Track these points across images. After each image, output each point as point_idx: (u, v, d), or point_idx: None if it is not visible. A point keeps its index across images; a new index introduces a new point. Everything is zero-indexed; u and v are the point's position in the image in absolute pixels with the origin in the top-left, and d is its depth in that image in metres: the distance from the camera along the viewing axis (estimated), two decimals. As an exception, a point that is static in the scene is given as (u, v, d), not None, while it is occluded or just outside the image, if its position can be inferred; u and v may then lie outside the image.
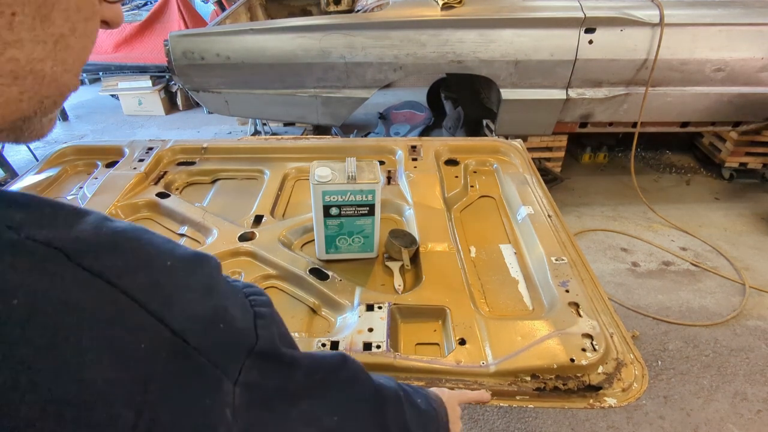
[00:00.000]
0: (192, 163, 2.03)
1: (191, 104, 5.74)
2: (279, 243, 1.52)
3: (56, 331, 0.33)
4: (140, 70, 5.21)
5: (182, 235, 1.66)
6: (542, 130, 3.40)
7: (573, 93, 3.19)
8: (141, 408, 0.36)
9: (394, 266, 1.44)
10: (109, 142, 2.14)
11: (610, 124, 3.48)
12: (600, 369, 1.09)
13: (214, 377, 0.43)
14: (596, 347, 1.12)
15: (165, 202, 1.76)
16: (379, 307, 1.25)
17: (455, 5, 3.03)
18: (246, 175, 2.00)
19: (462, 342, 1.16)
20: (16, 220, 0.36)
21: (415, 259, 1.47)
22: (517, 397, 1.06)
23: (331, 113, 3.29)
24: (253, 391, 0.47)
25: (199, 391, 0.41)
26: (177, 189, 1.93)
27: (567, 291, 1.29)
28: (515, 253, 1.56)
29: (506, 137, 2.44)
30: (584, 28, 2.99)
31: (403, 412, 0.70)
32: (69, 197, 1.83)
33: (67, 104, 5.79)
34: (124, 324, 0.37)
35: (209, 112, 4.84)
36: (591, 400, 1.06)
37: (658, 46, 3.01)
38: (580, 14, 2.96)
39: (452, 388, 1.07)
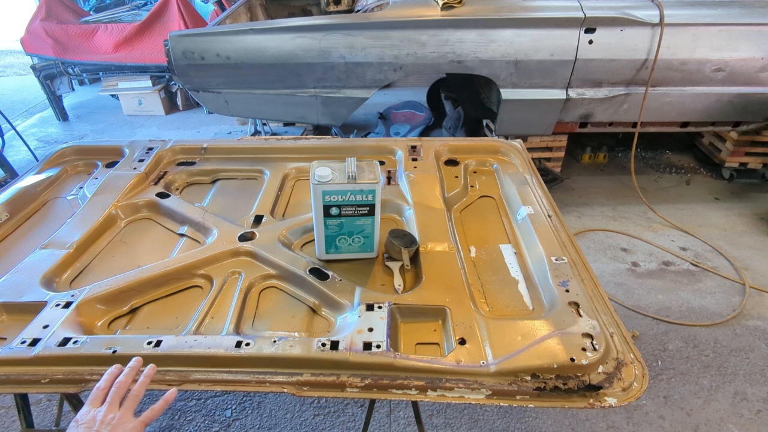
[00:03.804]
0: (192, 163, 2.03)
1: (191, 104, 5.74)
2: (279, 243, 1.52)
3: None
4: (140, 70, 5.21)
5: (182, 235, 1.66)
6: (542, 130, 3.40)
7: (573, 93, 3.19)
8: None
9: (394, 266, 1.44)
10: (109, 142, 2.14)
11: (610, 124, 3.48)
12: (600, 369, 1.10)
13: None
14: (596, 347, 1.12)
15: (165, 202, 1.76)
16: (379, 307, 1.25)
17: (455, 5, 3.03)
18: (246, 175, 2.00)
19: (462, 342, 1.16)
20: None
21: (415, 259, 1.47)
22: (517, 397, 1.06)
23: (331, 113, 3.29)
24: None
25: None
26: (177, 189, 1.93)
27: (567, 291, 1.29)
28: (515, 253, 1.56)
29: (506, 137, 2.45)
30: (584, 28, 2.99)
31: None
32: (69, 197, 1.84)
33: (67, 104, 5.79)
34: None
35: (209, 112, 4.85)
36: (591, 400, 1.06)
37: (658, 46, 3.01)
38: (580, 14, 2.96)
39: (452, 388, 1.07)
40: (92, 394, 0.89)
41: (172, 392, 0.94)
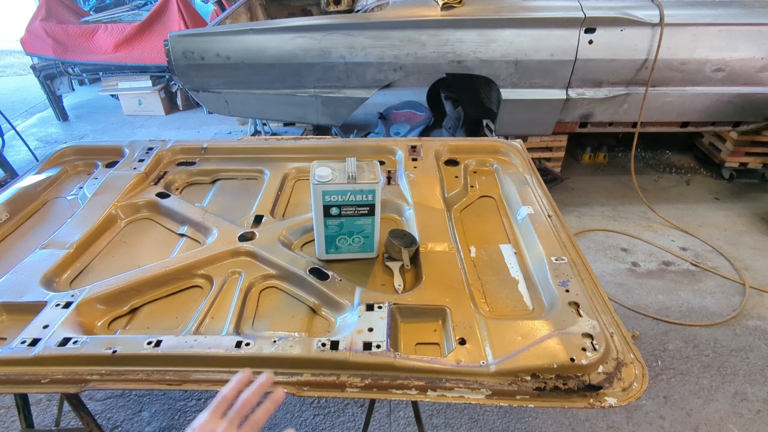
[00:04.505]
0: (192, 163, 2.03)
1: (191, 104, 5.74)
2: (279, 243, 1.52)
3: None
4: (140, 70, 5.21)
5: (182, 235, 1.66)
6: (542, 130, 3.40)
7: (573, 93, 3.19)
8: None
9: (394, 266, 1.44)
10: (109, 142, 2.14)
11: (610, 124, 3.48)
12: (600, 369, 1.09)
13: None
14: (596, 347, 1.12)
15: (165, 202, 1.76)
16: (379, 307, 1.25)
17: (455, 5, 3.03)
18: (246, 175, 2.00)
19: (462, 342, 1.16)
20: None
21: (415, 259, 1.47)
22: (517, 397, 1.06)
23: (331, 113, 3.29)
24: None
25: None
26: (177, 189, 1.93)
27: (567, 291, 1.29)
28: (515, 253, 1.56)
29: (506, 137, 2.44)
30: (584, 28, 2.99)
31: None
32: (69, 197, 1.83)
33: (67, 104, 5.79)
34: None
35: (209, 112, 4.85)
36: (591, 400, 1.06)
37: (658, 46, 3.01)
38: (580, 14, 2.96)
39: (452, 388, 1.07)
40: (216, 401, 0.83)
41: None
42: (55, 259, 1.45)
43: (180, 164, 2.03)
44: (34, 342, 1.16)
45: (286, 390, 0.94)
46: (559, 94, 3.18)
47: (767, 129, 3.54)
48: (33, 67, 5.26)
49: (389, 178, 1.88)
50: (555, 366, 1.08)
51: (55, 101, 5.44)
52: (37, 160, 2.25)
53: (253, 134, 4.83)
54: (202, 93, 3.24)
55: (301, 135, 3.18)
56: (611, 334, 1.18)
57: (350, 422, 2.14)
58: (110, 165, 1.99)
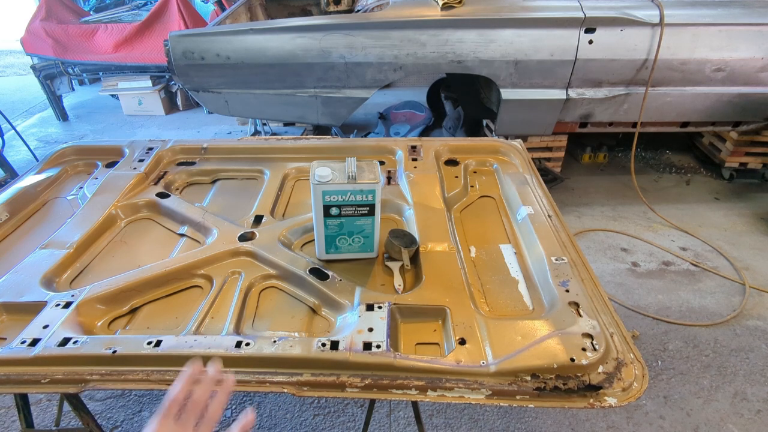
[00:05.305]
0: (192, 163, 2.03)
1: (191, 104, 5.74)
2: (279, 243, 1.52)
3: None
4: (140, 70, 5.21)
5: (182, 235, 1.66)
6: (542, 130, 3.40)
7: (573, 93, 3.19)
8: None
9: (394, 266, 1.44)
10: (109, 142, 2.14)
11: (610, 124, 3.48)
12: (600, 369, 1.09)
13: None
14: (596, 347, 1.12)
15: (165, 202, 1.76)
16: (379, 307, 1.25)
17: (455, 5, 3.03)
18: (246, 175, 2.00)
19: (462, 342, 1.15)
20: None
21: (415, 259, 1.46)
22: (517, 397, 1.06)
23: (331, 113, 3.29)
24: None
25: None
26: (177, 189, 1.93)
27: (567, 291, 1.29)
28: (515, 253, 1.56)
29: (506, 137, 2.45)
30: (584, 28, 2.99)
31: None
32: (69, 197, 1.83)
33: (67, 104, 5.79)
34: None
35: (209, 112, 4.85)
36: (591, 400, 1.06)
37: (658, 46, 3.01)
38: (580, 14, 2.96)
39: (452, 388, 1.07)
40: (164, 405, 0.75)
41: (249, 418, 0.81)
42: (55, 259, 1.45)
43: (180, 164, 2.03)
44: (34, 342, 1.16)
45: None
46: (559, 94, 3.18)
47: (767, 129, 3.54)
48: (33, 67, 5.26)
49: (389, 178, 1.88)
50: (555, 366, 1.08)
51: (55, 101, 5.44)
52: (37, 160, 2.26)
53: (253, 134, 4.83)
54: (202, 93, 3.24)
55: (301, 135, 3.17)
56: (611, 334, 1.18)
57: (350, 422, 2.14)
58: (110, 165, 1.99)
